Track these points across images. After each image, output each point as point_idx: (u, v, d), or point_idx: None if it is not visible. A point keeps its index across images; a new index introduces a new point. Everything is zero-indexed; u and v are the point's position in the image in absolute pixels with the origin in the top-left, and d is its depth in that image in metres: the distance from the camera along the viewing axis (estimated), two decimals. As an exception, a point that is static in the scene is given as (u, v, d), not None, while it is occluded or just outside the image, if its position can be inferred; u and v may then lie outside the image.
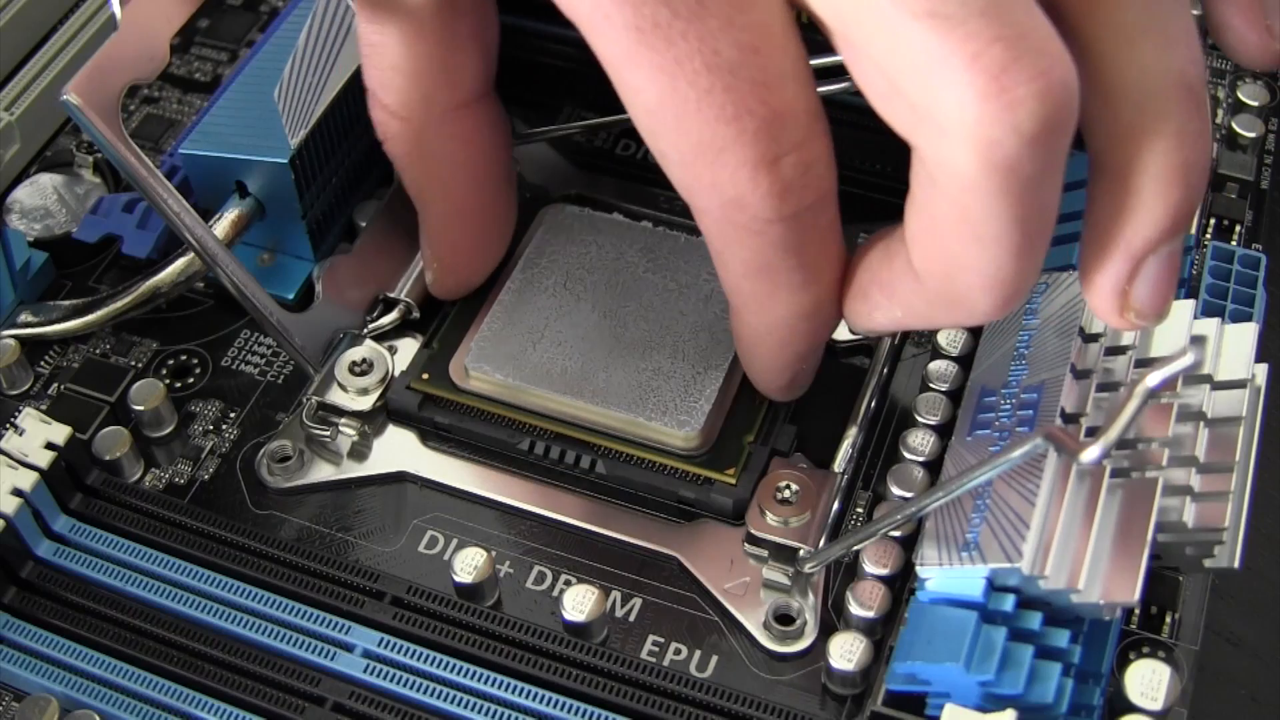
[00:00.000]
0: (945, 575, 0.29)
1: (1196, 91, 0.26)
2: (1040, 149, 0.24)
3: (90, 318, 0.37)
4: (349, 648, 0.31)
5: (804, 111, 0.27)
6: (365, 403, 0.35)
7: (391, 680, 0.30)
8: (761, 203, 0.27)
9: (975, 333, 0.35)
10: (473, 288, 0.37)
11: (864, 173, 0.40)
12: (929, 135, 0.25)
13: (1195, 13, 0.40)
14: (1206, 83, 0.27)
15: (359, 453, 0.35)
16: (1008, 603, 0.28)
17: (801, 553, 0.32)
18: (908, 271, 0.28)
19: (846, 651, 0.30)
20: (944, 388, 0.35)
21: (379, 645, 0.31)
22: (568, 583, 0.33)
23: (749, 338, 0.32)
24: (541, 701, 0.30)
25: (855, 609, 0.31)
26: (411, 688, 0.30)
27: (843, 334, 0.36)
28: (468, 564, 0.32)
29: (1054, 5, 0.26)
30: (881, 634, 0.31)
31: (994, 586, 0.28)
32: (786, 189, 0.27)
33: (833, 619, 0.32)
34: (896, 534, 0.32)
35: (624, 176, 0.41)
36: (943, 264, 0.27)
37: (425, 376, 0.36)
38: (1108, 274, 0.27)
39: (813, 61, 0.27)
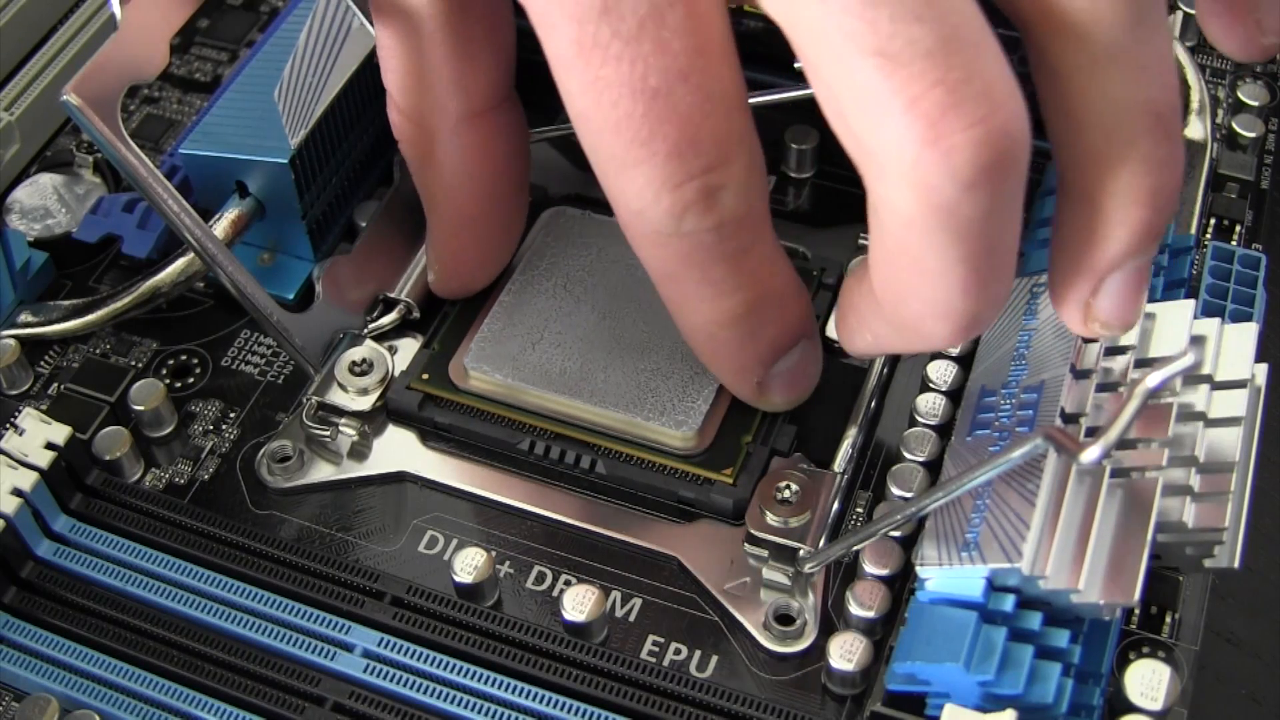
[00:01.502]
0: (945, 575, 0.29)
1: (1166, 119, 0.26)
2: (980, 193, 0.24)
3: (90, 318, 0.37)
4: (349, 648, 0.31)
5: (723, 138, 0.27)
6: (365, 403, 0.35)
7: (391, 680, 0.30)
8: (661, 218, 0.28)
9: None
10: (475, 291, 0.37)
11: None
12: (870, 170, 0.25)
13: (1190, 11, 0.40)
14: (1178, 109, 0.26)
15: (359, 453, 0.35)
16: (1008, 603, 0.28)
17: (801, 553, 0.32)
18: (872, 297, 0.29)
19: (846, 651, 0.30)
20: (944, 388, 0.35)
21: (379, 645, 0.31)
22: (568, 583, 0.33)
23: (685, 339, 0.33)
24: (541, 701, 0.30)
25: (855, 609, 0.31)
26: (411, 688, 0.30)
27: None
28: (468, 564, 0.32)
29: (1023, 30, 0.26)
30: (881, 634, 0.31)
31: (994, 586, 0.28)
32: (685, 209, 0.27)
33: (833, 619, 0.32)
34: (896, 534, 0.32)
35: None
36: (894, 292, 0.27)
37: (425, 376, 0.36)
38: (1073, 289, 0.27)
39: None
